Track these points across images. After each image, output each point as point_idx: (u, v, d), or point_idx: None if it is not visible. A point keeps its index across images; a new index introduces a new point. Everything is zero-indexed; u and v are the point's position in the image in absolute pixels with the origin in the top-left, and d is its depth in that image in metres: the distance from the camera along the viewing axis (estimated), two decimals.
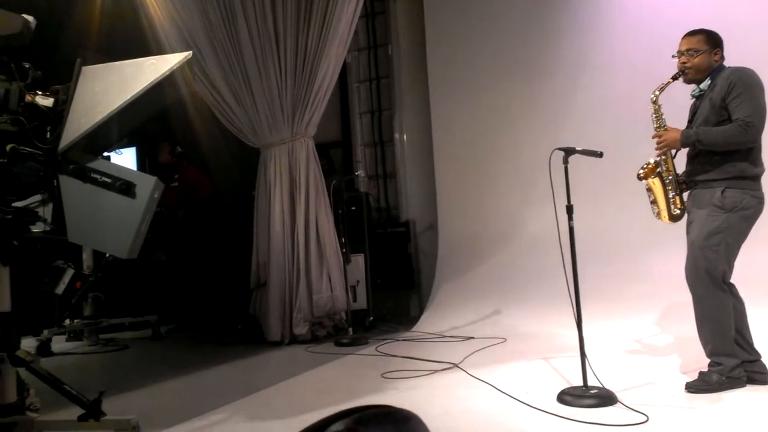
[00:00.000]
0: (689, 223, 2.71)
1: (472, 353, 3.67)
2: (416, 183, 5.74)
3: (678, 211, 2.76)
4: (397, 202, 5.83)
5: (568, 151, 2.68)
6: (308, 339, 4.52)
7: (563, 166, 2.64)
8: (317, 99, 4.69)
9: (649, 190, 2.76)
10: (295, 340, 4.50)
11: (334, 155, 5.99)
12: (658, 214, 2.77)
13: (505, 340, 4.03)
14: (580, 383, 2.57)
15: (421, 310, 5.16)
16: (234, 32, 4.75)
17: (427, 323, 4.74)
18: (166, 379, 3.57)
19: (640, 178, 2.75)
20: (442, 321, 4.67)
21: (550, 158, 2.64)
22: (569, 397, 2.53)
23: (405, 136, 5.83)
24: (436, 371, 3.27)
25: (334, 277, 4.62)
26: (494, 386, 2.85)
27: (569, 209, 2.64)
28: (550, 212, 2.66)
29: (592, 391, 2.53)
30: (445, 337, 4.31)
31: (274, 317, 4.53)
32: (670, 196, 2.74)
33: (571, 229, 2.64)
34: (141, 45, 4.87)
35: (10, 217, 1.87)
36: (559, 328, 3.85)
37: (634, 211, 4.02)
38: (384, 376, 3.23)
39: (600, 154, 2.72)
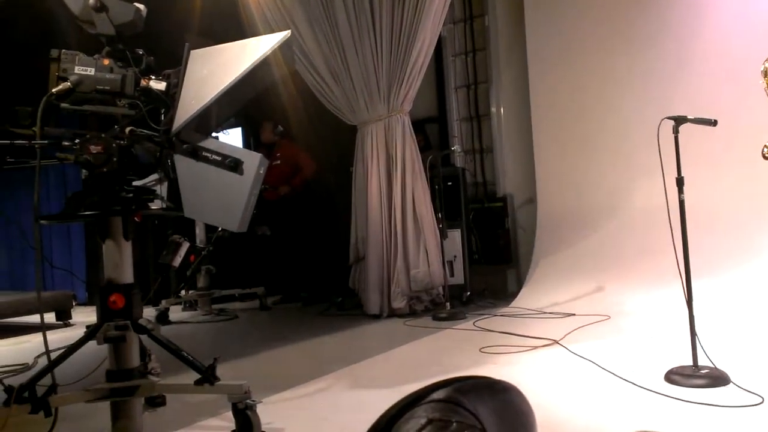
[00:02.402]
0: None
1: (574, 330, 3.58)
2: (514, 157, 5.63)
3: None
4: (494, 177, 5.74)
5: (679, 120, 2.54)
6: (406, 313, 4.59)
7: (673, 136, 2.51)
8: (413, 74, 4.69)
9: None
10: (393, 314, 4.58)
11: (430, 131, 5.97)
12: None
13: (609, 317, 3.90)
14: (690, 362, 2.46)
15: (519, 286, 5.08)
16: (331, 10, 4.83)
17: (526, 299, 4.67)
18: (273, 347, 3.75)
19: (765, 157, 2.56)
20: (541, 297, 4.58)
21: (658, 128, 2.51)
22: (678, 376, 2.43)
23: (502, 110, 5.71)
24: (535, 347, 3.23)
25: (431, 252, 4.64)
26: (598, 364, 2.77)
27: (679, 181, 2.51)
28: (659, 185, 2.53)
29: (703, 371, 2.41)
30: (545, 313, 4.23)
31: (372, 291, 4.63)
32: None
33: (681, 203, 2.51)
34: (240, 26, 5.07)
35: (131, 195, 2.01)
36: (667, 306, 3.68)
37: (751, 183, 3.78)
38: (482, 350, 3.23)
39: (714, 123, 2.56)
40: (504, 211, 5.53)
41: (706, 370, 2.41)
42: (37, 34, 5.64)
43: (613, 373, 2.60)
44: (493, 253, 5.53)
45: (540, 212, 5.18)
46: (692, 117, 2.56)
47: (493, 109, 5.75)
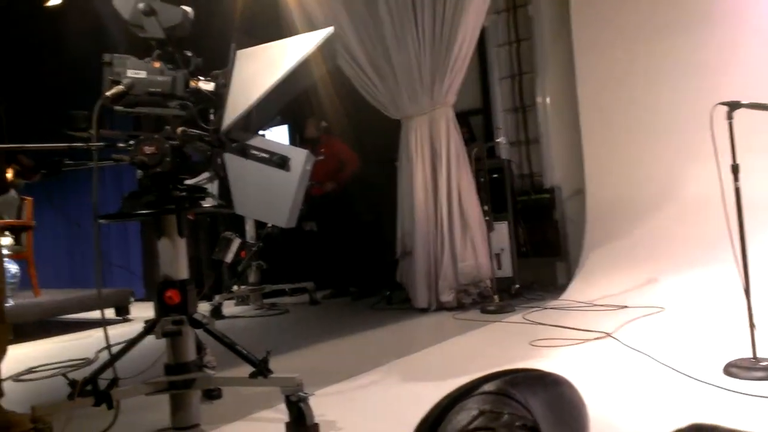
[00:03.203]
0: None
1: (627, 323, 3.51)
2: (561, 147, 5.53)
3: None
4: (541, 168, 5.67)
5: (733, 106, 2.45)
6: (454, 306, 4.58)
7: (726, 122, 2.42)
8: (456, 67, 4.66)
9: None
10: (441, 307, 4.57)
11: (474, 123, 5.93)
12: None
13: (663, 309, 3.81)
14: (749, 354, 2.38)
15: (569, 278, 5.00)
16: (372, 5, 4.84)
17: (577, 291, 4.59)
18: (323, 341, 3.80)
19: None
20: (592, 289, 4.49)
21: (711, 114, 2.43)
22: (737, 369, 2.35)
23: (548, 100, 5.62)
24: (587, 340, 3.17)
25: (478, 245, 4.61)
26: (652, 357, 2.71)
27: (735, 168, 2.43)
28: (713, 172, 2.45)
29: (763, 363, 2.33)
30: (596, 305, 4.15)
31: (420, 285, 4.64)
32: None
33: (737, 190, 2.43)
34: (282, 24, 5.14)
35: (184, 194, 2.07)
36: (724, 297, 3.56)
37: None
38: (532, 344, 3.20)
39: None
40: (552, 203, 5.45)
41: (766, 362, 2.33)
42: (90, 39, 5.85)
43: (669, 366, 2.54)
44: (541, 246, 5.46)
45: (589, 203, 5.08)
46: (747, 102, 2.47)
47: (539, 99, 5.66)
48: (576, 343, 3.13)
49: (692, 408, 2.08)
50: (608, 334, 3.23)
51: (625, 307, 3.97)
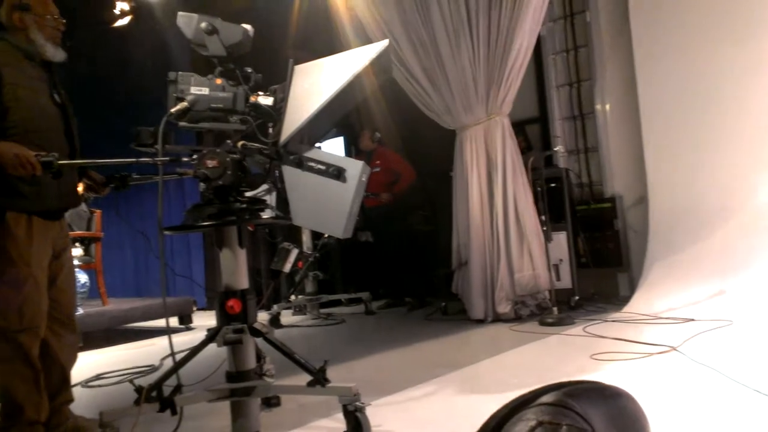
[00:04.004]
0: None
1: (693, 336, 3.37)
2: (621, 155, 5.40)
3: None
4: (601, 177, 5.54)
5: None
6: (511, 318, 4.51)
7: None
8: (511, 76, 4.62)
9: None
10: (498, 319, 4.52)
11: (531, 132, 5.86)
12: None
13: (732, 322, 3.65)
14: None
15: (631, 290, 4.86)
16: (427, 16, 4.86)
17: (640, 304, 4.44)
18: (379, 351, 3.81)
19: None
20: (656, 301, 4.34)
21: None
22: None
23: (607, 107, 5.50)
24: (651, 354, 3.07)
25: (536, 255, 4.54)
26: (721, 372, 2.60)
27: None
28: None
29: None
30: (661, 318, 4.02)
31: (476, 296, 4.60)
32: None
33: None
34: (336, 37, 5.22)
35: (244, 206, 2.13)
36: None
37: None
38: (593, 357, 3.12)
39: None
40: (613, 212, 5.31)
41: None
42: (155, 57, 6.10)
43: (739, 382, 2.43)
44: (602, 256, 5.32)
45: (652, 212, 4.93)
46: None
47: (598, 107, 5.54)
48: (639, 357, 3.04)
49: (763, 425, 1.99)
50: (674, 348, 3.12)
51: (692, 320, 3.83)
